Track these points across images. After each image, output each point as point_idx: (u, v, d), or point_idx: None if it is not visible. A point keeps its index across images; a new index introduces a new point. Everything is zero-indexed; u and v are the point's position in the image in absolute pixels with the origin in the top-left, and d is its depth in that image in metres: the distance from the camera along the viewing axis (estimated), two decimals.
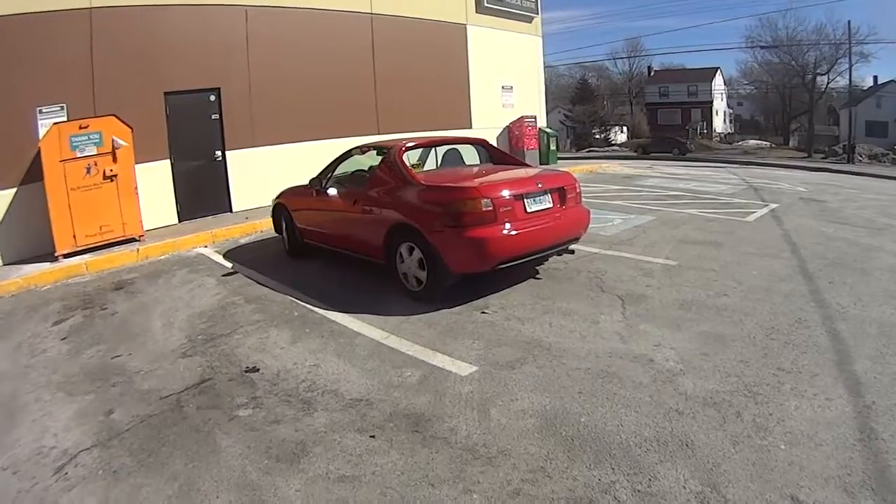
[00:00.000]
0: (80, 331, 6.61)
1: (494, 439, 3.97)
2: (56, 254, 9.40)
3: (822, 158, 39.21)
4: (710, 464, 3.61)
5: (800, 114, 59.76)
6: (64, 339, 6.40)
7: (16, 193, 9.87)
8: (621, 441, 3.90)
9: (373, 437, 4.08)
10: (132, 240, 10.25)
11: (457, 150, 8.66)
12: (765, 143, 60.60)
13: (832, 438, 3.81)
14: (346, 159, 8.52)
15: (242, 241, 10.84)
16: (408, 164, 7.37)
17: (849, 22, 41.49)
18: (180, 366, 5.47)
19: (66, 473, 3.81)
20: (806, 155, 44.09)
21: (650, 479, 3.49)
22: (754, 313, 6.15)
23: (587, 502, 3.33)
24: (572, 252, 7.72)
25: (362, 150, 8.43)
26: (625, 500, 3.32)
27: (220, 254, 9.79)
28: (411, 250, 6.77)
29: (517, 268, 6.86)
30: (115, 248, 9.90)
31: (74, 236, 9.59)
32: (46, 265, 9.12)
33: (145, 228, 10.63)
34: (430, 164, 8.69)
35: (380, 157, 7.80)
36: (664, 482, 3.46)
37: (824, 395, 4.39)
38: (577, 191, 7.41)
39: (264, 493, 3.52)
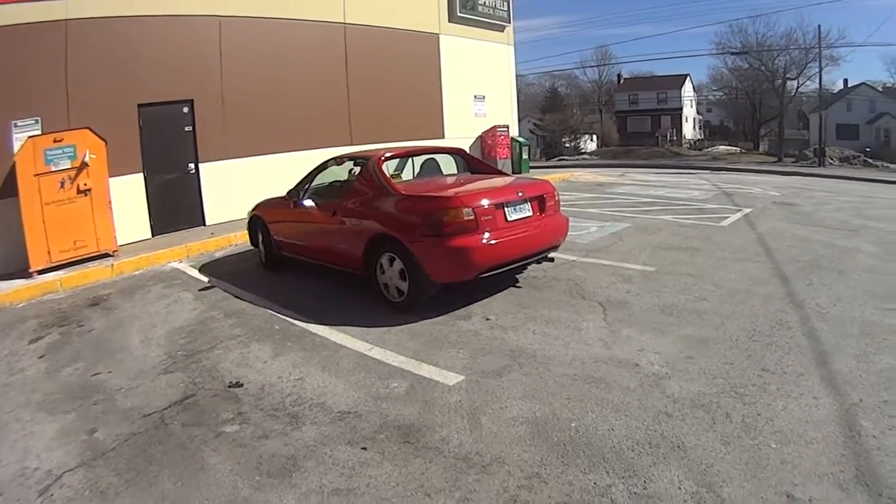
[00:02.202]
0: (57, 349, 6.49)
1: (487, 447, 3.98)
2: (30, 270, 9.21)
3: (793, 162, 39.67)
4: (703, 465, 3.65)
5: (769, 119, 60.39)
6: (42, 356, 6.29)
7: None
8: (613, 445, 3.93)
9: (364, 449, 4.06)
10: (106, 255, 10.11)
11: (434, 159, 8.66)
12: (735, 148, 61.30)
13: (822, 436, 3.88)
14: (322, 170, 8.49)
15: (217, 254, 10.76)
16: (387, 174, 7.37)
17: (819, 26, 42.27)
18: (162, 382, 5.39)
19: (52, 495, 3.73)
20: (776, 159, 44.62)
21: (645, 482, 3.53)
22: (735, 316, 6.24)
23: None
24: (552, 260, 7.78)
25: (339, 161, 8.40)
26: (622, 503, 3.35)
27: (195, 268, 9.70)
28: (392, 261, 6.77)
29: (497, 277, 6.88)
30: (90, 264, 9.76)
31: (49, 252, 9.42)
32: (21, 281, 8.96)
33: (119, 243, 10.48)
34: (408, 174, 8.68)
35: (357, 168, 7.80)
36: (659, 484, 3.50)
37: (811, 395, 4.47)
38: (556, 199, 7.47)
39: None
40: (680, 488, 3.44)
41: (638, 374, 4.96)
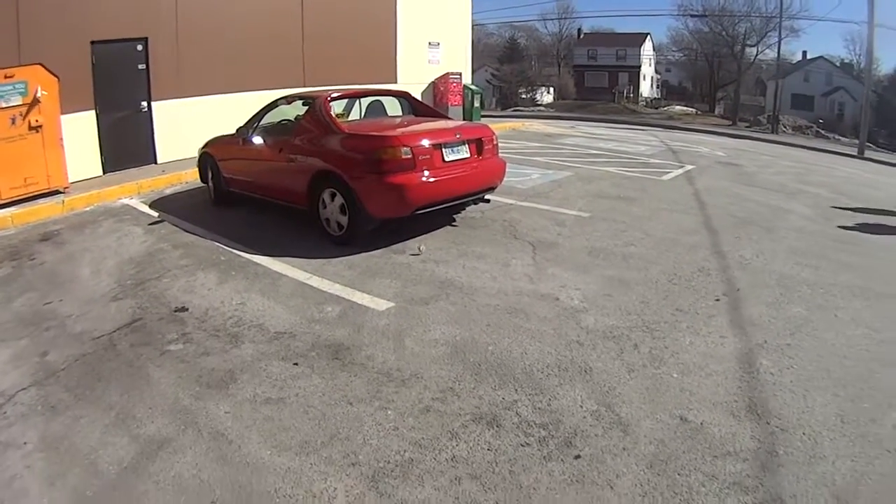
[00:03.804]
0: (9, 281, 6.59)
1: (408, 364, 4.35)
2: None
3: (747, 127, 40.09)
4: (606, 387, 4.04)
5: (727, 83, 60.57)
6: None
7: None
8: (525, 367, 4.31)
9: (296, 364, 4.41)
10: (57, 192, 10.09)
11: (380, 101, 8.93)
12: (691, 109, 61.39)
13: (723, 370, 4.27)
14: (272, 109, 8.66)
15: (168, 191, 10.86)
16: (333, 114, 7.60)
17: None
18: (111, 308, 5.62)
19: (6, 412, 3.91)
20: (731, 123, 45.12)
21: (550, 399, 3.90)
22: (659, 261, 6.62)
23: (491, 418, 3.72)
24: (488, 201, 8.13)
25: (288, 100, 8.60)
26: (526, 416, 3.72)
27: (146, 204, 9.79)
28: (333, 196, 7.04)
29: (434, 215, 7.24)
30: (41, 200, 9.71)
31: None
32: None
33: (70, 180, 10.45)
34: (355, 115, 8.91)
35: (305, 107, 7.99)
36: (563, 401, 3.88)
37: (719, 334, 4.86)
38: (494, 143, 7.75)
39: (196, 416, 3.80)
40: (581, 406, 3.82)
41: (557, 307, 5.34)
